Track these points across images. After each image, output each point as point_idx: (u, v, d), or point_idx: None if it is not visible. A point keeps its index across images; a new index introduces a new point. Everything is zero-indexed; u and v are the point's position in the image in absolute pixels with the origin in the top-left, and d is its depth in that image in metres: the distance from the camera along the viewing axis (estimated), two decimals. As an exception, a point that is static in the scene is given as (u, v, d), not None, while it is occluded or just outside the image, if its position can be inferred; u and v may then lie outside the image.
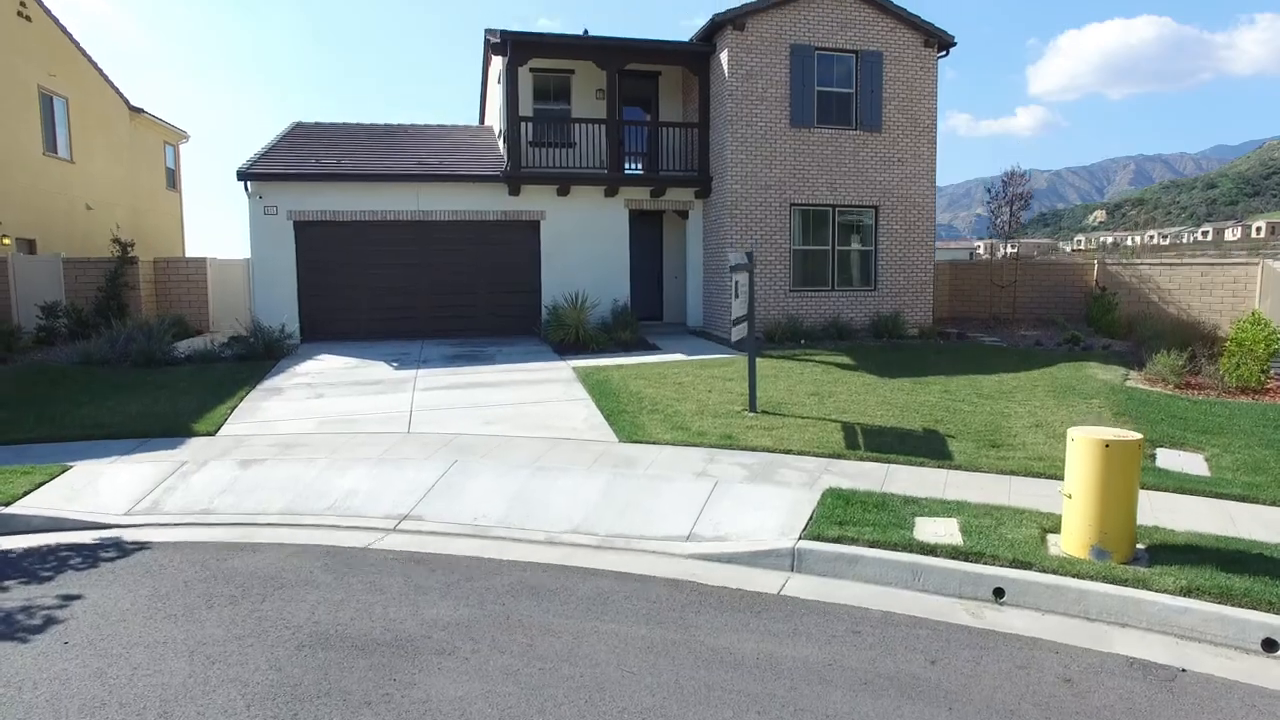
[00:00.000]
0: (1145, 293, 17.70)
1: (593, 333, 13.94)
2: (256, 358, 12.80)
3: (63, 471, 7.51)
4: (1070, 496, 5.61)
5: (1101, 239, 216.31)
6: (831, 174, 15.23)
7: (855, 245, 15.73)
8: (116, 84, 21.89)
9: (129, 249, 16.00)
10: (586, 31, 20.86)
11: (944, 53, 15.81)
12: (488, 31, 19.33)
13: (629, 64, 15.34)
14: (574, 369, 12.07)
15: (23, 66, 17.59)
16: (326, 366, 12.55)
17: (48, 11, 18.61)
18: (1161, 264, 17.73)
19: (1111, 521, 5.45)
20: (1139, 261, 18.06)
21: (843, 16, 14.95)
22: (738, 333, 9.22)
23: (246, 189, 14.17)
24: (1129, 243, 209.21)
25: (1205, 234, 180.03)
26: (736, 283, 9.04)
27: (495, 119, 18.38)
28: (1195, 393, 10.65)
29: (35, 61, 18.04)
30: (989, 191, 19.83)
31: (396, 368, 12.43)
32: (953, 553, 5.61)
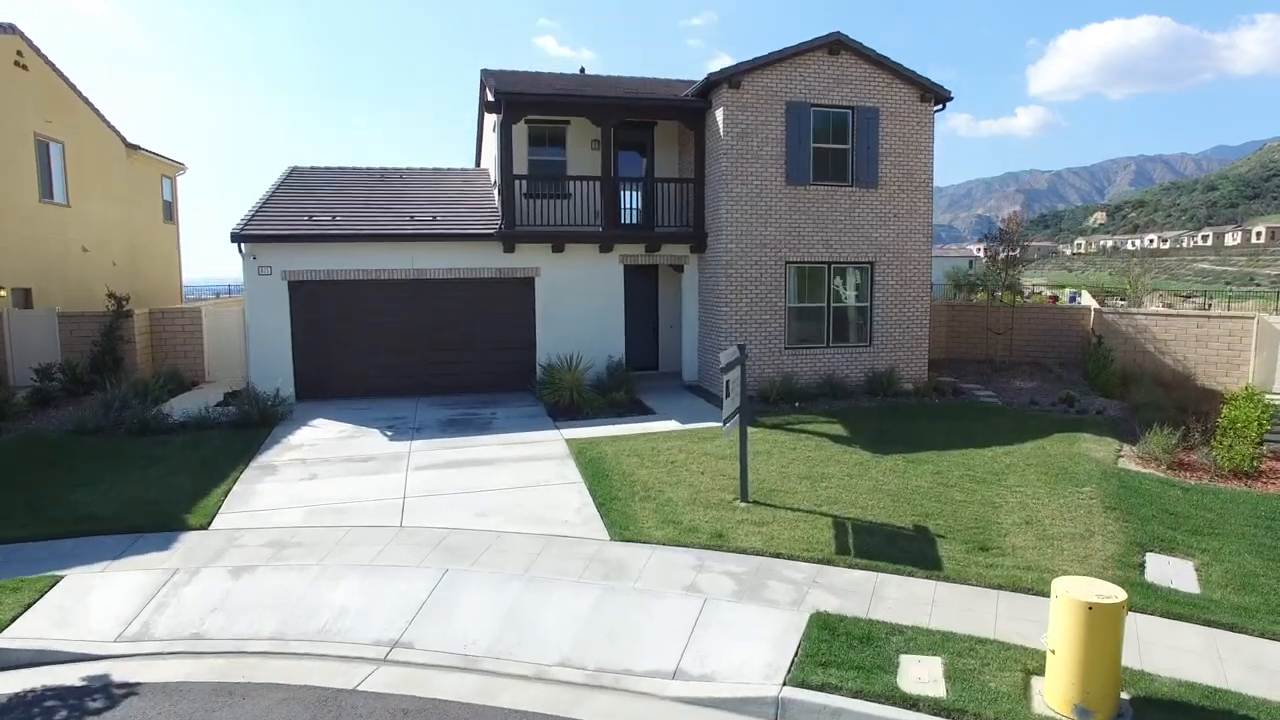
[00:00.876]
0: (1141, 343, 17.71)
1: (587, 395, 13.96)
2: (251, 425, 12.81)
3: (53, 585, 7.52)
4: (1054, 652, 5.63)
5: (1101, 242, 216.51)
6: (827, 231, 15.23)
7: (850, 302, 15.74)
8: (114, 123, 21.91)
9: (124, 302, 16.01)
10: (583, 70, 20.94)
11: (940, 106, 15.81)
12: (484, 74, 19.41)
13: (624, 119, 15.35)
14: (568, 442, 12.08)
15: (19, 116, 17.60)
16: (321, 436, 12.56)
17: (44, 58, 18.62)
18: (1157, 315, 17.75)
19: (1094, 681, 5.47)
20: (1135, 312, 18.07)
21: (839, 73, 14.95)
22: (730, 427, 9.23)
23: (240, 249, 14.18)
24: (1129, 246, 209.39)
25: (1205, 238, 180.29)
26: (728, 382, 9.05)
27: (490, 162, 18.39)
28: (1188, 475, 10.67)
29: (32, 109, 18.05)
30: (986, 238, 19.88)
31: (391, 437, 12.44)
32: (935, 708, 5.63)
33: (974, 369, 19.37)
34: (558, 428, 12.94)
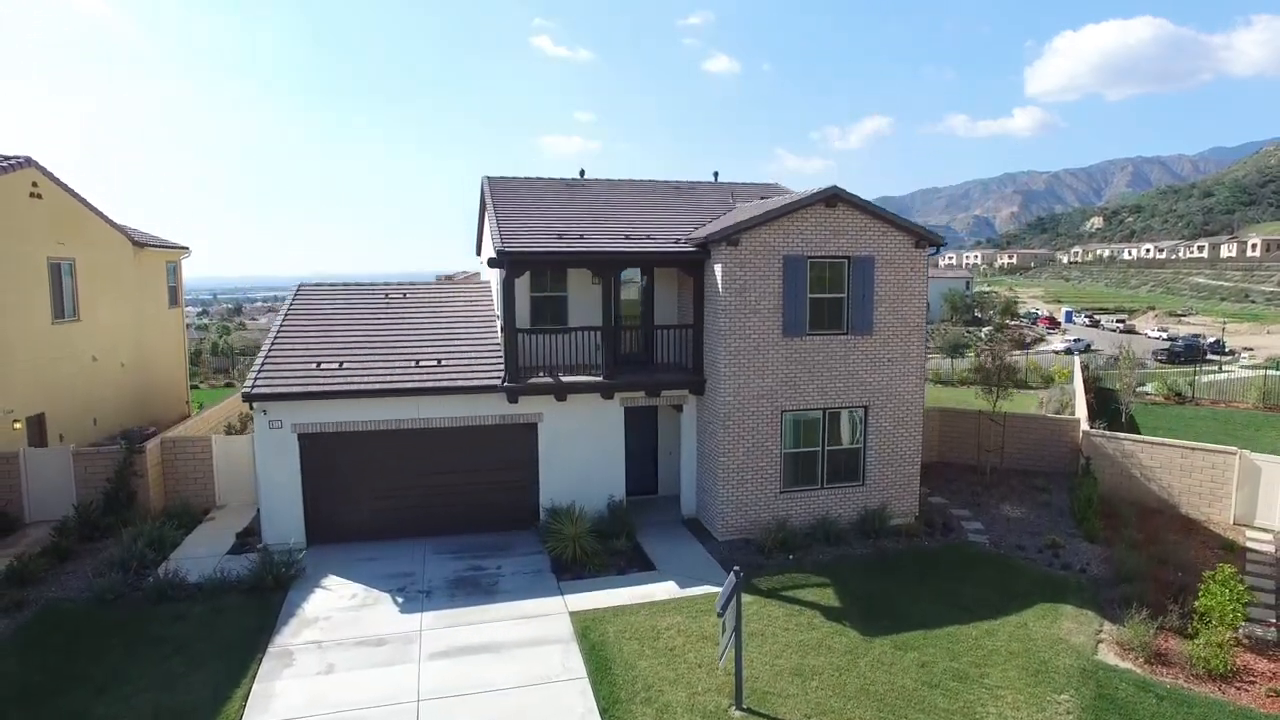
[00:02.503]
0: (1127, 467, 18.19)
1: (590, 547, 14.38)
2: (265, 589, 13.24)
3: None
4: None
5: (1098, 251, 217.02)
6: (822, 379, 15.68)
7: (845, 444, 16.19)
8: (123, 226, 22.27)
9: (136, 442, 16.44)
10: (583, 173, 21.37)
11: (934, 250, 16.26)
12: (485, 180, 19.90)
13: (625, 268, 15.78)
14: (572, 616, 12.52)
15: (33, 243, 17.99)
16: (333, 605, 12.97)
17: (56, 181, 18.98)
18: (1143, 441, 18.21)
19: None
20: (1122, 437, 18.53)
21: (836, 225, 15.39)
22: (724, 660, 9.68)
23: (251, 405, 14.60)
24: (1125, 255, 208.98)
25: (1201, 248, 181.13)
26: (724, 622, 9.50)
27: (489, 253, 18.70)
28: (1166, 670, 11.12)
29: (45, 234, 18.44)
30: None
31: (402, 607, 12.86)
32: None
33: (964, 481, 19.86)
34: (562, 592, 13.39)
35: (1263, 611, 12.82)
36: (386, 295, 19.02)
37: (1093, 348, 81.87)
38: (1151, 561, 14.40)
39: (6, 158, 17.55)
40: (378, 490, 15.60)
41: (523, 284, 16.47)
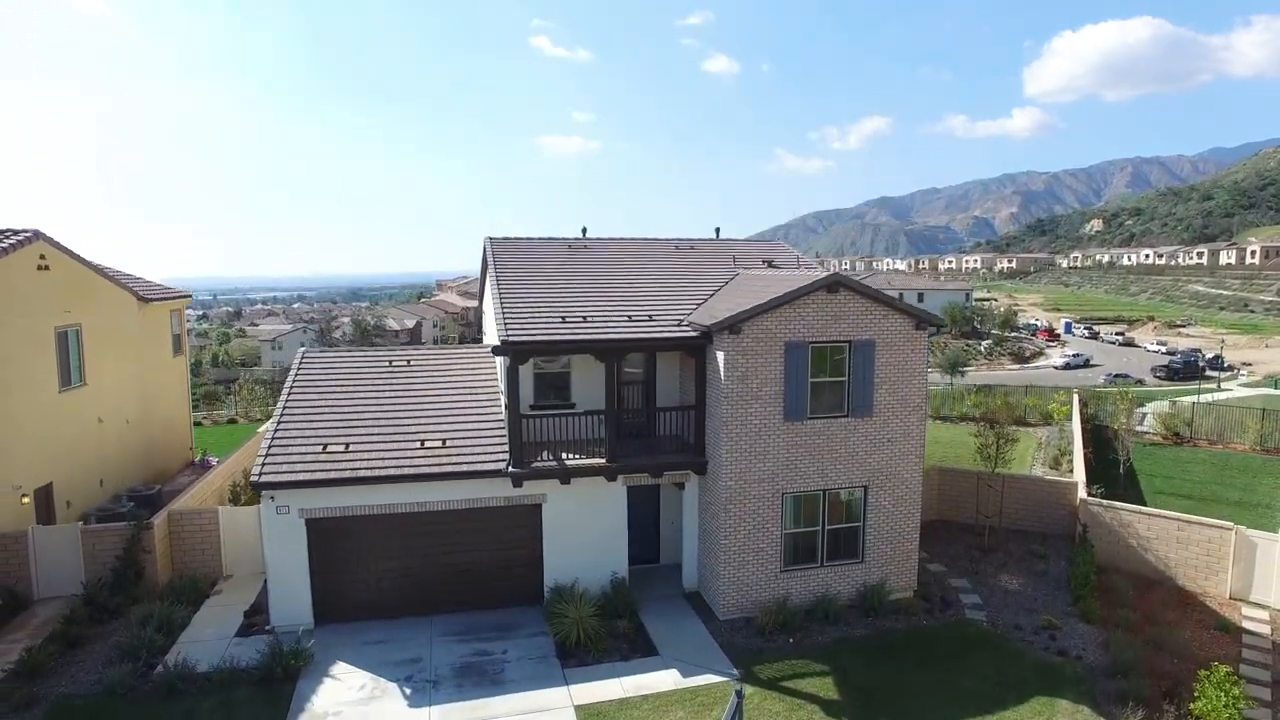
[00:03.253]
0: (1124, 536, 18.39)
1: (593, 630, 14.56)
2: (275, 680, 13.43)
3: None
4: None
5: (1097, 256, 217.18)
6: (822, 461, 15.87)
7: (844, 523, 16.38)
8: (130, 280, 22.42)
9: (144, 518, 16.63)
10: (585, 231, 21.56)
11: (935, 332, 16.44)
12: (487, 241, 20.10)
13: (627, 354, 15.97)
14: (576, 711, 12.72)
15: (41, 315, 18.15)
16: (342, 698, 13.13)
17: (64, 250, 19.12)
18: (1140, 512, 18.38)
19: None
20: (1118, 506, 18.71)
21: (836, 310, 15.56)
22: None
23: (259, 493, 14.79)
24: (1125, 260, 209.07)
25: (1200, 254, 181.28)
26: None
27: (491, 301, 18.88)
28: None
29: (53, 305, 18.59)
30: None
31: (409, 700, 13.06)
32: None
33: (962, 544, 20.04)
34: (567, 681, 13.58)
35: (1261, 711, 13.00)
36: (390, 363, 19.18)
37: (1092, 362, 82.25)
38: (1148, 647, 14.60)
39: (15, 232, 17.71)
40: (384, 570, 15.79)
41: (527, 369, 16.63)
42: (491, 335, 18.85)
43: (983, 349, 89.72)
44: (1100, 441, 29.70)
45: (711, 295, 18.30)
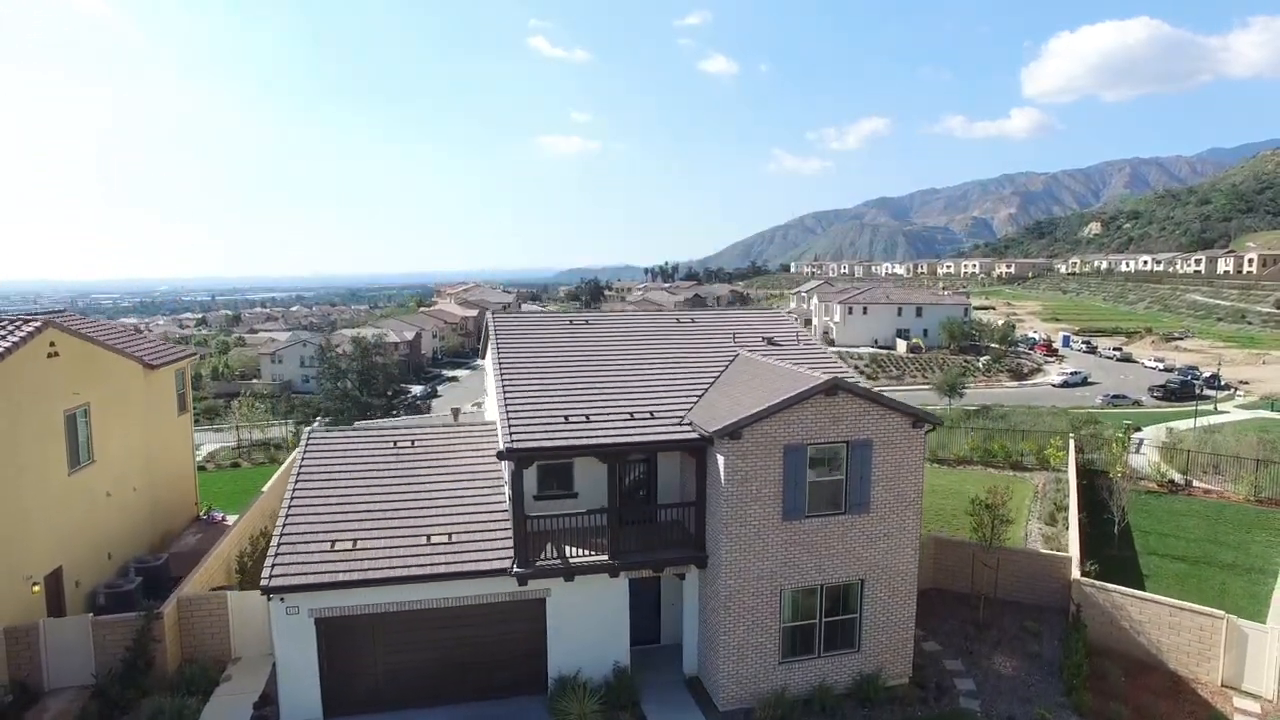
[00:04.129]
0: (1117, 619, 18.68)
1: (595, 722, 14.90)
2: (283, 789, 13.73)
3: None
4: None
5: (1095, 262, 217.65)
6: (820, 557, 16.16)
7: (840, 615, 16.67)
8: (137, 349, 22.65)
9: (153, 609, 16.91)
10: (587, 322, 21.79)
11: (931, 429, 16.72)
12: (488, 319, 20.36)
13: (629, 456, 16.26)
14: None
15: (51, 401, 18.38)
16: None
17: (73, 333, 19.34)
18: (1133, 596, 18.66)
19: None
20: (1111, 588, 19.00)
21: (835, 413, 15.84)
22: None
23: (269, 596, 15.07)
24: (1123, 267, 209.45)
25: (1198, 262, 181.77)
26: None
27: (491, 360, 19.24)
28: None
29: (61, 389, 18.81)
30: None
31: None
32: None
33: (957, 619, 20.31)
34: (569, 789, 13.88)
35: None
36: (395, 443, 19.43)
37: (1089, 380, 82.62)
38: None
39: (27, 320, 17.95)
40: (391, 662, 16.07)
41: (531, 475, 16.90)
42: (493, 402, 19.14)
43: (981, 365, 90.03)
44: (1095, 489, 29.99)
45: (713, 381, 18.57)
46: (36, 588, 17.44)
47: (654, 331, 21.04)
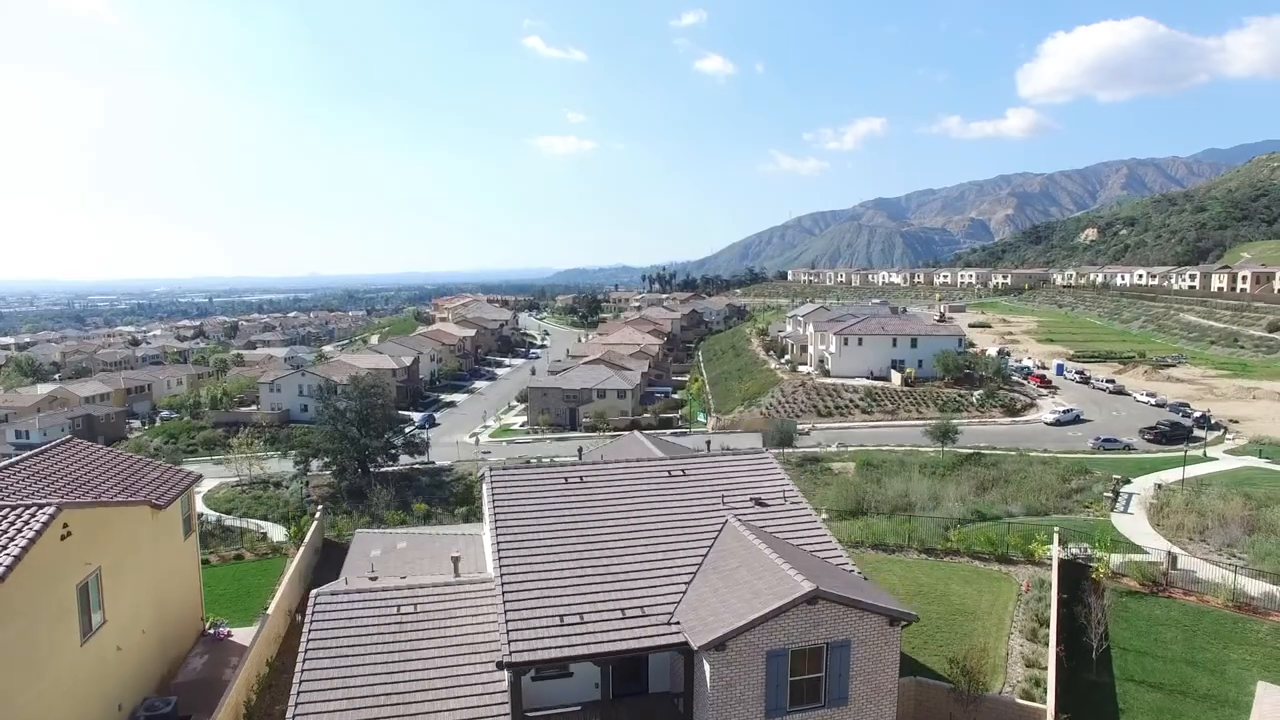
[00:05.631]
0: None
1: None
2: None
3: None
4: None
5: (1091, 276, 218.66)
6: (802, 751, 16.96)
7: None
8: (144, 490, 23.25)
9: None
10: (582, 480, 22.48)
11: (905, 623, 17.49)
12: (487, 472, 21.04)
13: (622, 658, 17.05)
14: None
15: (63, 580, 18.98)
16: None
17: (84, 505, 19.96)
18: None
19: None
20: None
21: (815, 618, 16.62)
22: None
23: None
24: (1119, 280, 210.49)
25: (1193, 277, 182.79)
26: None
27: (488, 540, 19.99)
28: None
29: (74, 564, 19.40)
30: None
31: None
32: None
33: None
34: None
35: None
36: (399, 608, 20.12)
37: (1082, 418, 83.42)
38: None
39: (40, 507, 18.53)
40: None
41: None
42: (489, 555, 19.89)
43: (975, 399, 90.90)
44: (1080, 590, 30.71)
45: (703, 558, 19.33)
46: (53, 770, 18.10)
47: (645, 490, 21.76)
